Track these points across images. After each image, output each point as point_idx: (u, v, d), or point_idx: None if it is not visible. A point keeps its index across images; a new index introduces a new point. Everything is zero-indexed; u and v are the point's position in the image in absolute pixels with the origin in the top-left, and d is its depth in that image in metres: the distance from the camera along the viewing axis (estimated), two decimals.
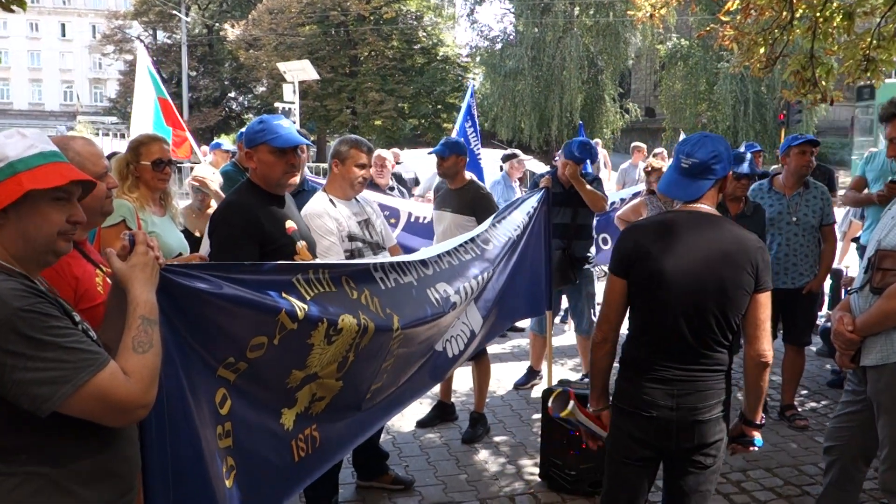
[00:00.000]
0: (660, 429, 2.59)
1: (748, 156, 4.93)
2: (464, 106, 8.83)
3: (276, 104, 20.59)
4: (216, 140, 8.70)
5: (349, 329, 2.66)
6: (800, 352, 5.40)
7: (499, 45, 38.97)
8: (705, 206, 2.61)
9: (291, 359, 2.52)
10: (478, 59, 39.07)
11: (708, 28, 7.48)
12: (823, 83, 6.13)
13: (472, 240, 4.00)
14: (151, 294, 1.83)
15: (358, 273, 2.88)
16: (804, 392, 5.99)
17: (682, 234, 2.57)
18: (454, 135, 8.58)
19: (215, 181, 5.19)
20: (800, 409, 5.50)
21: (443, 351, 3.55)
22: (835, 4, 6.07)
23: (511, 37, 38.77)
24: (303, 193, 4.71)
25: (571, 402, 2.85)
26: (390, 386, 3.19)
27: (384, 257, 3.76)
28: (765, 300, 2.55)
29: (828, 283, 7.60)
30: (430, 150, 5.24)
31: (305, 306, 2.45)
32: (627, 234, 2.74)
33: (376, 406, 3.14)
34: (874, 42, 6.08)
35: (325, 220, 3.73)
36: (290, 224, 3.19)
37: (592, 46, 36.16)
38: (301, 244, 3.16)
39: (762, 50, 6.40)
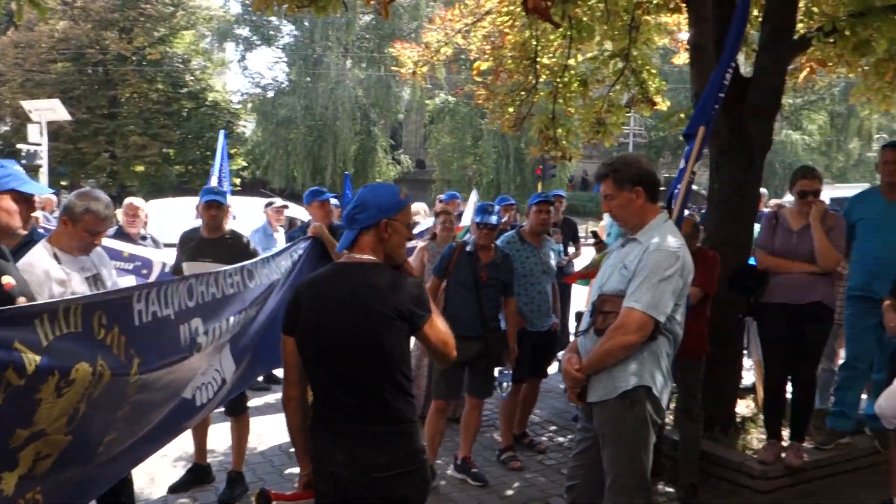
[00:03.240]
0: (338, 485, 2.56)
1: (495, 207, 5.25)
2: (219, 154, 8.64)
3: (20, 146, 18.78)
4: None
5: (83, 379, 2.44)
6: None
7: (271, 93, 38.70)
8: (363, 256, 2.62)
9: (16, 417, 2.26)
10: (249, 106, 38.48)
11: (464, 87, 7.94)
12: (564, 142, 6.73)
13: (241, 270, 3.81)
14: None
15: (116, 305, 2.66)
16: (553, 428, 6.39)
17: (330, 285, 2.61)
18: (214, 182, 8.34)
19: None
20: (547, 445, 5.90)
21: (191, 399, 3.35)
22: (572, 72, 6.70)
23: (283, 85, 38.67)
24: (31, 244, 4.28)
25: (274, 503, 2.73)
26: (129, 437, 2.95)
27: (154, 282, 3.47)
28: (427, 331, 2.57)
29: None
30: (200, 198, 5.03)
31: (38, 357, 2.22)
32: (293, 290, 2.77)
33: (112, 458, 2.88)
34: (605, 106, 6.78)
35: (40, 288, 3.30)
36: (7, 279, 2.88)
37: (365, 98, 37.02)
38: (20, 300, 2.86)
39: (511, 109, 6.90)
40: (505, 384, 5.14)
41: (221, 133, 9.16)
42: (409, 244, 6.83)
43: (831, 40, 5.57)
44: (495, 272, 5.16)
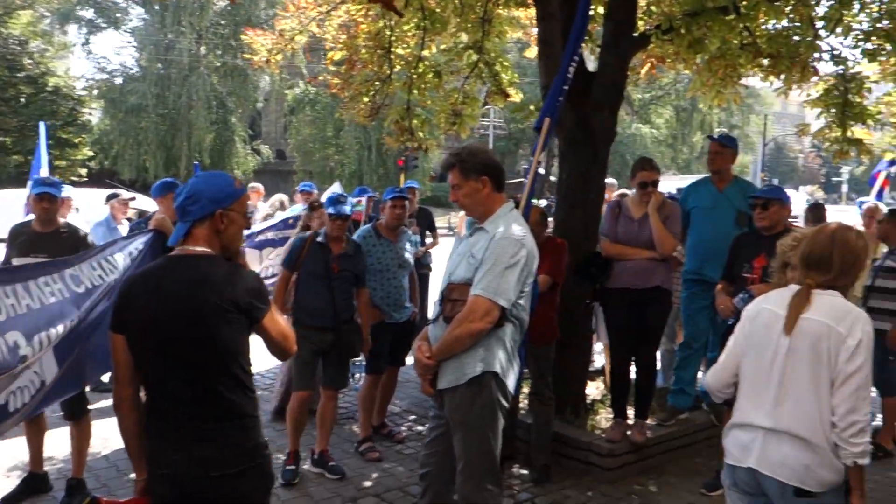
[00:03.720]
0: (175, 484, 2.46)
1: (347, 198, 5.21)
2: (43, 146, 8.15)
3: None
4: None
5: None
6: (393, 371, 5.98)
7: (119, 80, 36.70)
8: (197, 248, 2.53)
9: None
10: (95, 92, 36.29)
11: (319, 76, 7.83)
12: (420, 133, 6.76)
13: (62, 278, 3.55)
14: None
15: None
16: (412, 417, 6.42)
17: (164, 278, 2.50)
18: (45, 173, 7.83)
19: None
20: (406, 434, 5.93)
21: (3, 404, 3.09)
22: (426, 63, 6.74)
23: (133, 71, 36.76)
24: None
25: None
26: None
27: None
28: (267, 324, 2.53)
29: None
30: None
31: None
32: (122, 285, 2.66)
33: None
34: (461, 98, 6.87)
35: None
36: None
37: (221, 87, 35.80)
38: None
39: (366, 99, 6.86)
40: (357, 375, 5.12)
41: (42, 124, 8.62)
42: (285, 234, 6.68)
43: (668, 38, 5.87)
44: (347, 263, 5.12)
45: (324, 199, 7.83)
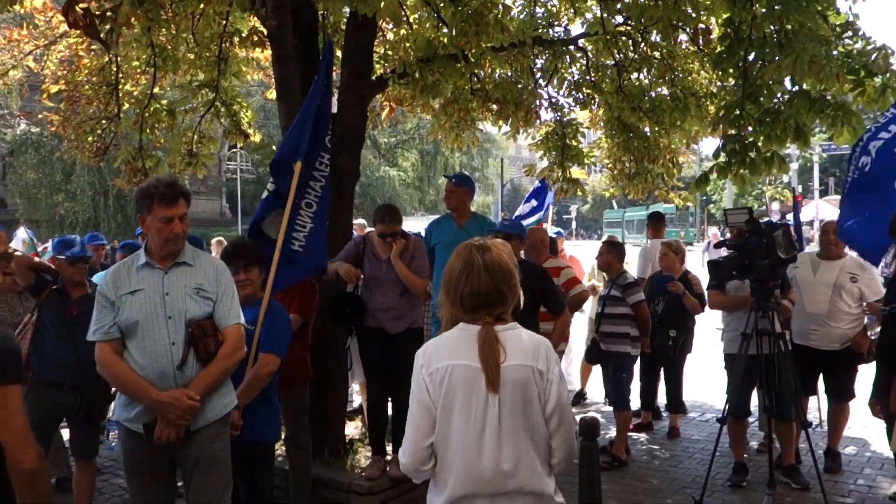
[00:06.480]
0: None
1: (77, 238, 4.77)
2: None
3: None
4: None
5: None
6: None
7: None
8: None
9: None
10: None
11: (37, 113, 7.18)
12: (154, 174, 6.41)
13: None
14: None
15: None
16: None
17: None
18: None
19: None
20: None
21: None
22: (159, 102, 6.42)
23: None
24: None
25: None
26: None
27: None
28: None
29: None
30: None
31: None
32: None
33: None
34: (196, 138, 6.61)
35: None
36: None
37: None
38: None
39: (91, 139, 6.39)
40: (112, 433, 4.59)
41: None
42: None
43: (404, 82, 6.09)
44: (90, 305, 4.65)
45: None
